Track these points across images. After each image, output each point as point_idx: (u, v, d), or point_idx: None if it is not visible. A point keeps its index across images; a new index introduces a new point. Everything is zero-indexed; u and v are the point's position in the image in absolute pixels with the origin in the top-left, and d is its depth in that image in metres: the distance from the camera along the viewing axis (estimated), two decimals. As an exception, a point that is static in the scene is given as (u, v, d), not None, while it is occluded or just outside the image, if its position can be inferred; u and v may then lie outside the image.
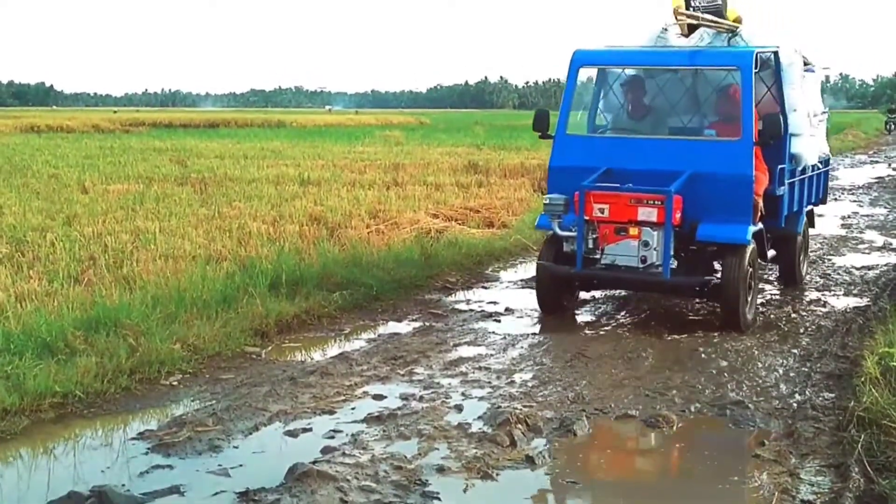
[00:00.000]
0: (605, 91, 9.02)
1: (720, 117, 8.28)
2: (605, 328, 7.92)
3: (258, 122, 54.78)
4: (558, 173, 8.06)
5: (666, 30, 8.55)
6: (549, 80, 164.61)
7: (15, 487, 4.56)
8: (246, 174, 18.54)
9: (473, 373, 6.41)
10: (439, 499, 4.39)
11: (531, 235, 11.22)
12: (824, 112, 9.94)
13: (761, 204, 7.83)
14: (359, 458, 4.76)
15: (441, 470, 4.70)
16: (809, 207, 9.90)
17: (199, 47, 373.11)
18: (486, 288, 9.56)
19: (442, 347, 7.09)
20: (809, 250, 10.29)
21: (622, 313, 8.45)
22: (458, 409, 5.64)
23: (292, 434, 5.24)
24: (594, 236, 7.58)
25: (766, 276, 9.60)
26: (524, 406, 5.61)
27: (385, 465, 4.70)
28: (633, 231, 7.43)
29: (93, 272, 8.45)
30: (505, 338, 7.43)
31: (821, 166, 9.99)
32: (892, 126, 52.02)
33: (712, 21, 8.21)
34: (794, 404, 5.84)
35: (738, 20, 8.62)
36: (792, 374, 6.53)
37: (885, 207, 16.83)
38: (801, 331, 7.81)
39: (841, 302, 8.96)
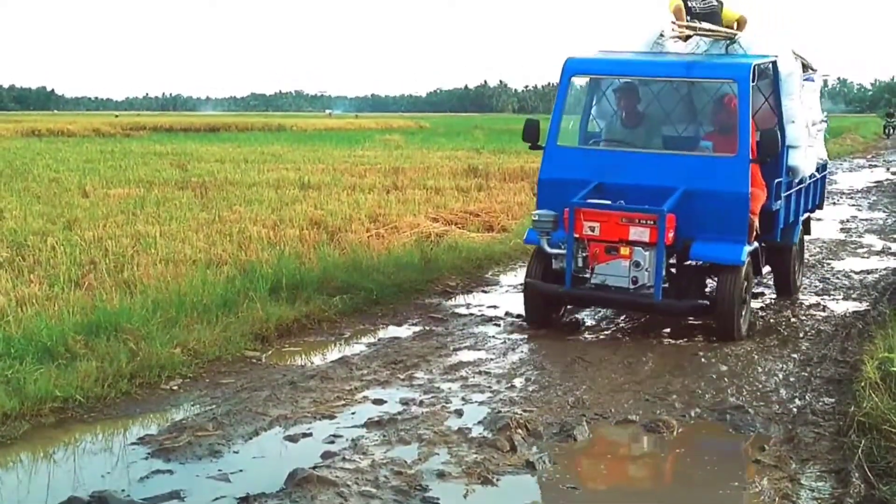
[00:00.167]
0: (598, 98, 8.82)
1: (716, 127, 8.10)
2: (605, 332, 7.92)
3: (258, 126, 54.81)
4: (548, 186, 7.85)
5: (663, 35, 8.42)
6: (549, 84, 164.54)
7: (15, 492, 4.55)
8: (246, 178, 18.56)
9: (473, 377, 6.42)
10: (439, 504, 4.38)
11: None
12: (823, 120, 9.76)
13: (757, 223, 7.61)
14: (359, 463, 4.76)
15: (441, 475, 4.70)
16: (806, 216, 9.75)
17: (200, 51, 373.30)
18: (485, 292, 9.56)
19: (442, 352, 7.09)
20: (807, 255, 10.25)
21: (622, 318, 8.44)
22: (459, 413, 5.64)
23: (292, 439, 5.24)
24: (584, 255, 7.36)
25: (765, 281, 9.59)
26: (524, 411, 5.62)
27: (385, 470, 4.70)
28: (625, 251, 7.21)
29: (93, 276, 8.46)
30: (505, 342, 7.43)
31: (818, 174, 9.82)
32: (891, 130, 52.11)
33: (709, 30, 8.06)
34: (795, 409, 5.84)
35: (741, 21, 8.57)
36: (792, 379, 6.53)
37: (884, 211, 16.85)
38: (801, 335, 7.81)
39: (840, 306, 8.96)
